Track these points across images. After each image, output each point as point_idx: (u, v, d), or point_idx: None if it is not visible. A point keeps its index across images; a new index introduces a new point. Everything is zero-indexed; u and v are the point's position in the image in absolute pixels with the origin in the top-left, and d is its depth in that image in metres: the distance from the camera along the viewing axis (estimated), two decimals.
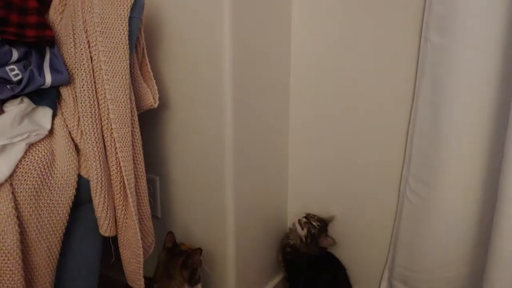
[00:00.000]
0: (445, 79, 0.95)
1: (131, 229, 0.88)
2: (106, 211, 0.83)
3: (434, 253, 1.06)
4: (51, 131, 0.82)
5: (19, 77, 0.79)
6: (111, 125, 0.83)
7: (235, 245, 1.12)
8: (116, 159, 0.84)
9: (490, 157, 0.95)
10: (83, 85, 0.82)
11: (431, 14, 0.95)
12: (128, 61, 0.84)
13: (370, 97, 1.12)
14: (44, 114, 0.83)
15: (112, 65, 0.83)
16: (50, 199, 0.76)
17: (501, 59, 0.89)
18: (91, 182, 0.82)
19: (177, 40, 1.05)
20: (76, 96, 0.83)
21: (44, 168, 0.76)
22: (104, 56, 0.82)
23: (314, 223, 1.19)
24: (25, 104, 0.80)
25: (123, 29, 0.83)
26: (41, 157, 0.76)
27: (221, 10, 0.96)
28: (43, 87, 0.81)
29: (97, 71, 0.82)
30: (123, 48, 0.84)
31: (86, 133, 0.81)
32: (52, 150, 0.80)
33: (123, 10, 0.83)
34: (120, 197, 0.86)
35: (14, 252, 0.70)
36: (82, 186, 0.82)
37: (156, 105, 0.98)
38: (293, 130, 1.27)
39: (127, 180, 0.85)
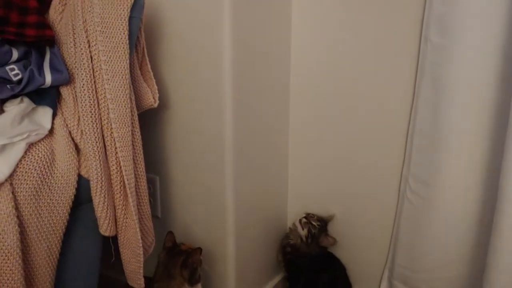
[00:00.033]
0: (445, 79, 0.95)
1: (131, 228, 0.88)
2: (106, 211, 0.83)
3: (434, 253, 1.06)
4: (51, 131, 0.82)
5: (19, 76, 0.79)
6: (111, 124, 0.83)
7: (235, 244, 1.12)
8: (116, 159, 0.84)
9: (490, 157, 0.95)
10: (83, 84, 0.82)
11: (431, 14, 0.95)
12: (128, 61, 0.84)
13: (370, 97, 1.12)
14: (44, 114, 0.83)
15: (112, 65, 0.83)
16: (50, 199, 0.76)
17: (501, 59, 0.89)
18: (91, 182, 0.82)
19: (177, 40, 1.05)
20: (76, 95, 0.83)
21: (44, 167, 0.76)
22: (104, 55, 0.82)
23: (314, 223, 1.19)
24: (25, 103, 0.80)
25: (123, 29, 0.83)
26: (41, 157, 0.76)
27: (221, 10, 0.96)
28: (43, 86, 0.81)
29: (97, 71, 0.82)
30: (123, 48, 0.84)
31: (86, 133, 0.81)
32: (52, 149, 0.80)
33: (123, 10, 0.83)
34: (120, 197, 0.86)
35: (14, 252, 0.70)
36: (82, 185, 0.82)
37: (156, 105, 0.98)
38: (293, 130, 1.27)
39: (127, 180, 0.85)
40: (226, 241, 1.12)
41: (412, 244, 1.10)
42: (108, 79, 0.82)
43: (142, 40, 0.95)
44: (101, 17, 0.82)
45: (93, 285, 0.94)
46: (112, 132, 0.83)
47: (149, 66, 0.98)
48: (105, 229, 0.85)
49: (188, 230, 1.18)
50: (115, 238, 0.90)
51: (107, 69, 0.82)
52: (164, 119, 1.13)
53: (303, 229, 1.19)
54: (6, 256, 0.70)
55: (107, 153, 0.84)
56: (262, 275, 1.29)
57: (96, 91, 0.83)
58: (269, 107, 1.17)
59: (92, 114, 0.82)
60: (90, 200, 0.83)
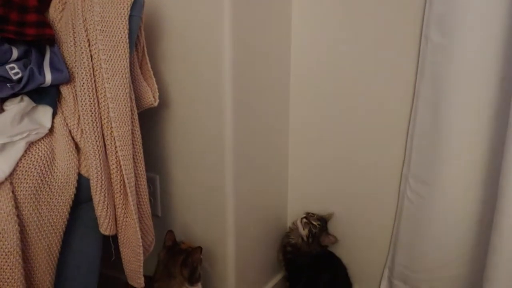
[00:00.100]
0: (445, 79, 0.95)
1: (131, 227, 0.88)
2: (106, 210, 0.83)
3: (434, 252, 1.06)
4: (51, 130, 0.82)
5: (19, 75, 0.79)
6: (111, 123, 0.83)
7: (235, 244, 1.12)
8: (116, 158, 0.84)
9: (490, 157, 0.95)
10: (83, 83, 0.82)
11: (431, 14, 0.95)
12: (128, 60, 0.84)
13: (370, 97, 1.12)
14: (44, 113, 0.83)
15: (112, 64, 0.83)
16: (50, 198, 0.76)
17: (501, 59, 0.89)
18: (91, 181, 0.82)
19: (177, 39, 1.05)
20: (76, 94, 0.83)
21: (44, 166, 0.76)
22: (104, 54, 0.82)
23: (314, 223, 1.19)
24: (25, 102, 0.80)
25: (123, 28, 0.83)
26: (41, 156, 0.76)
27: (221, 10, 0.96)
28: (43, 85, 0.81)
29: (97, 70, 0.82)
30: (123, 47, 0.84)
31: (86, 132, 0.81)
32: (52, 148, 0.80)
33: (123, 9, 0.83)
34: (120, 196, 0.86)
35: (14, 251, 0.70)
36: (82, 184, 0.82)
37: (156, 104, 0.98)
38: (293, 130, 1.27)
39: (127, 179, 0.85)
40: (226, 240, 1.12)
41: (412, 244, 1.10)
42: (108, 78, 0.82)
43: (142, 39, 0.95)
44: (101, 15, 0.82)
45: (93, 284, 0.94)
46: (112, 131, 0.83)
47: (149, 65, 0.98)
48: (105, 228, 0.85)
49: (188, 229, 1.18)
50: (115, 237, 0.90)
51: (107, 68, 0.82)
52: (164, 118, 1.13)
53: (304, 228, 1.19)
54: (6, 255, 0.70)
55: (107, 152, 0.84)
56: (262, 275, 1.29)
57: (96, 90, 0.83)
58: (269, 107, 1.17)
59: (92, 113, 0.82)
60: (90, 199, 0.83)
